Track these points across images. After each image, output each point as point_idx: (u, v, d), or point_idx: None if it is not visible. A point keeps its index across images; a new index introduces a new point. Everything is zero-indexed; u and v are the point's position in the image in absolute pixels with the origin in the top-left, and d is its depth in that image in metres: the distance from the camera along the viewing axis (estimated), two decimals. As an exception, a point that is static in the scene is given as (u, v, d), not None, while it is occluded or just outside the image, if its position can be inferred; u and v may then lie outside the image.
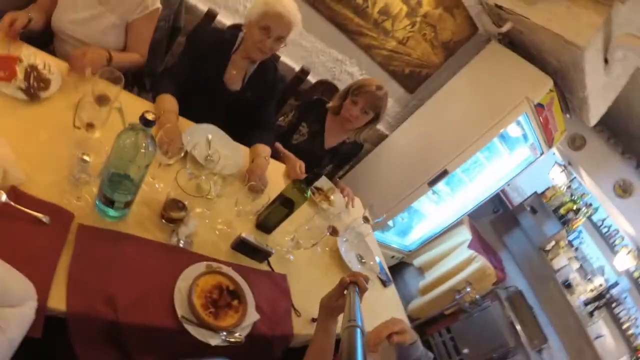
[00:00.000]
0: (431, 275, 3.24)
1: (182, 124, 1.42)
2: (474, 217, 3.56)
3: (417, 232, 3.45)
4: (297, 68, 2.51)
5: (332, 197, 1.79)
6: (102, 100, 1.20)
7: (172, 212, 1.10)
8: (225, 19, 2.19)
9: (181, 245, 1.08)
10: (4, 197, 0.82)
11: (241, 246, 1.19)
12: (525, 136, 2.91)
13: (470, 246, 3.12)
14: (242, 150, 1.57)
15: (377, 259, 1.65)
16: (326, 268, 1.44)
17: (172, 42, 2.08)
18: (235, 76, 1.65)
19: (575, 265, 3.60)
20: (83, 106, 1.05)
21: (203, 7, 2.19)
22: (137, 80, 1.89)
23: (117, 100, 1.17)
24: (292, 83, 2.49)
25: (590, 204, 3.80)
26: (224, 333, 0.92)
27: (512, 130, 2.89)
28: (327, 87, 2.48)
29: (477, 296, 2.79)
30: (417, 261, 3.40)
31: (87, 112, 1.06)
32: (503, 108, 2.53)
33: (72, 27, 1.46)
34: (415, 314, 3.17)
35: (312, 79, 2.52)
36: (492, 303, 2.93)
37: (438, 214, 3.33)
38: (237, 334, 0.93)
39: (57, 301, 0.77)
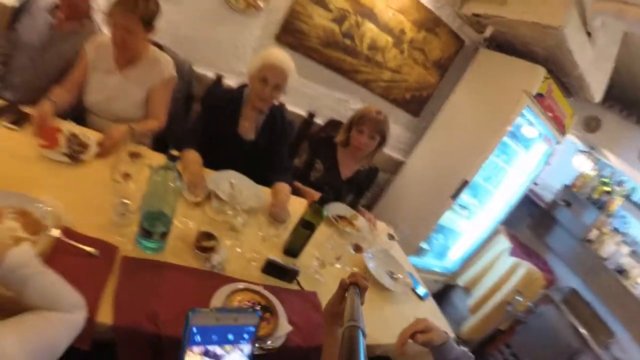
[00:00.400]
0: (478, 292, 3.10)
1: (206, 173, 1.57)
2: (511, 226, 3.48)
3: (455, 251, 3.38)
4: (304, 113, 2.72)
5: (355, 222, 1.85)
6: (135, 156, 1.40)
7: (204, 241, 1.20)
8: (230, 81, 2.48)
9: (214, 270, 1.17)
10: (58, 234, 0.96)
11: (270, 268, 1.26)
12: (539, 133, 2.94)
13: (511, 254, 3.02)
14: (263, 189, 1.69)
15: (409, 273, 1.66)
16: None
17: (189, 109, 2.33)
18: (248, 127, 1.83)
19: (625, 249, 3.34)
20: (120, 162, 1.23)
21: (211, 74, 2.50)
22: (162, 146, 2.10)
23: (147, 157, 1.35)
24: (302, 127, 2.69)
25: (622, 181, 3.64)
26: (258, 342, 0.96)
27: (524, 129, 2.94)
28: (335, 125, 2.65)
29: (530, 303, 2.65)
30: (462, 280, 3.29)
31: (123, 166, 1.23)
32: (504, 107, 2.61)
33: (103, 104, 1.71)
34: (470, 335, 2.99)
35: (320, 120, 2.72)
36: (547, 307, 2.76)
37: (472, 228, 3.29)
38: (268, 343, 0.98)
39: (105, 316, 0.86)
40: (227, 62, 2.61)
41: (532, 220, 4.03)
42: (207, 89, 2.29)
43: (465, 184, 2.70)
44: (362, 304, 0.86)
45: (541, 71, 2.53)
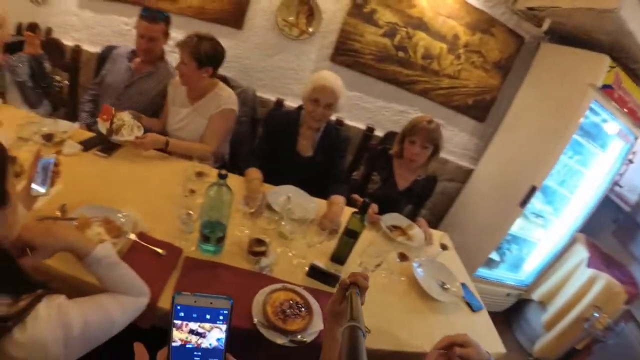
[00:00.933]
0: (554, 307, 2.75)
1: (267, 188, 1.75)
2: (592, 234, 3.03)
3: (530, 262, 3.08)
4: (363, 127, 2.80)
5: (410, 232, 1.84)
6: (200, 175, 1.65)
7: (255, 246, 1.35)
8: (292, 103, 2.69)
9: (263, 272, 1.30)
10: (134, 237, 1.19)
11: (313, 272, 1.35)
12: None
13: (589, 265, 2.64)
14: (319, 202, 1.80)
15: (463, 284, 1.59)
16: (403, 294, 1.45)
17: (254, 131, 2.58)
18: (305, 145, 1.98)
19: None
20: (188, 179, 1.46)
21: (273, 98, 2.75)
22: (234, 165, 2.36)
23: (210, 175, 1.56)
24: (362, 141, 2.76)
25: None
26: (290, 335, 1.06)
27: (599, 125, 2.62)
28: (393, 137, 2.63)
29: (609, 320, 2.29)
30: (537, 294, 2.95)
31: (190, 183, 1.47)
32: (570, 104, 2.38)
33: (177, 131, 2.02)
34: (544, 354, 2.66)
35: (382, 133, 2.76)
36: (628, 324, 2.34)
37: (548, 237, 2.97)
38: (299, 336, 1.06)
39: (165, 303, 1.04)
40: (288, 86, 2.85)
41: (616, 226, 3.46)
42: (268, 112, 2.51)
43: (533, 190, 2.48)
44: (362, 303, 0.86)
45: (605, 60, 2.26)
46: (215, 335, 0.54)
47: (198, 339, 0.54)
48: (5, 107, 1.89)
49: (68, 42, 2.86)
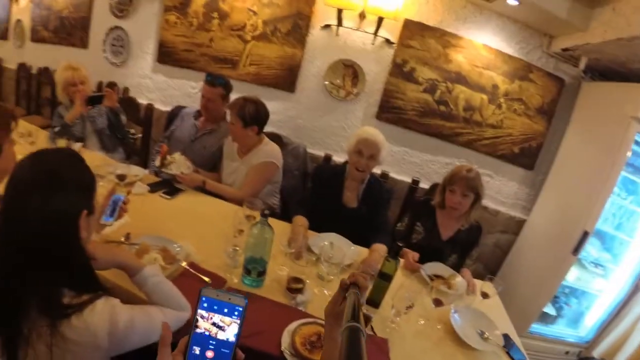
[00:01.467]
0: None
1: (312, 234, 1.86)
2: None
3: (591, 316, 2.74)
4: (409, 180, 2.86)
5: (452, 281, 1.79)
6: (249, 218, 1.80)
7: (293, 284, 1.42)
8: (340, 159, 2.86)
9: (299, 307, 1.36)
10: (185, 265, 1.34)
11: (346, 311, 1.37)
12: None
13: None
14: (359, 248, 1.85)
15: (505, 335, 1.48)
16: (438, 340, 1.39)
17: (305, 183, 2.77)
18: (350, 197, 2.09)
19: None
20: (238, 220, 1.60)
21: (322, 154, 2.95)
22: (284, 215, 2.51)
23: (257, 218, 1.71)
24: (408, 194, 2.81)
25: None
26: None
27: None
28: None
29: None
30: (598, 352, 2.55)
31: (240, 224, 1.61)
32: (614, 140, 2.27)
33: (230, 181, 2.26)
34: None
35: (426, 185, 2.80)
36: None
37: (609, 288, 2.64)
38: None
39: None
40: (337, 143, 3.06)
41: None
42: (316, 166, 2.70)
43: (586, 235, 2.29)
44: (362, 304, 0.84)
45: (644, 90, 2.16)
46: (232, 331, 0.62)
47: (217, 331, 0.62)
48: (84, 150, 2.25)
49: (142, 100, 3.41)
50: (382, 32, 2.73)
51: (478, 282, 1.79)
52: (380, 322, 1.39)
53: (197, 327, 0.61)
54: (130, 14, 3.61)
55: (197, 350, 0.61)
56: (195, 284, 1.29)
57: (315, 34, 2.93)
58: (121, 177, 1.86)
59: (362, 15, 2.71)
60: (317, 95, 3.04)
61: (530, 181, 2.99)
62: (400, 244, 1.45)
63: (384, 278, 1.44)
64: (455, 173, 1.97)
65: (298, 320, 1.24)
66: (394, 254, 1.45)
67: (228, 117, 2.16)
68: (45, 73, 4.31)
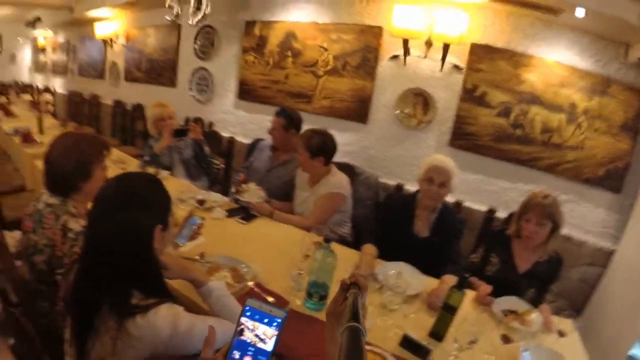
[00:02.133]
0: None
1: (379, 263, 1.85)
2: None
3: None
4: (485, 209, 2.68)
5: (527, 318, 1.62)
6: (316, 244, 1.84)
7: (352, 310, 1.44)
8: (412, 187, 2.79)
9: (357, 335, 1.36)
10: (251, 284, 1.46)
11: (405, 343, 1.33)
12: None
13: None
14: (428, 279, 1.80)
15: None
16: None
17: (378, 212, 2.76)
18: (421, 226, 2.05)
19: None
20: (305, 246, 1.63)
21: (393, 183, 2.93)
22: (357, 245, 2.53)
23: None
24: (484, 223, 2.63)
25: None
26: None
27: None
28: (516, 218, 2.48)
29: None
30: None
31: (306, 250, 1.62)
32: None
33: (301, 210, 2.38)
34: None
35: (504, 214, 2.59)
36: None
37: None
38: None
39: None
40: (410, 172, 3.01)
41: None
42: (386, 195, 2.69)
43: None
44: (364, 306, 0.85)
45: None
46: (270, 341, 0.68)
47: (257, 340, 0.68)
48: (171, 178, 2.59)
49: (225, 134, 3.78)
50: (450, 58, 2.70)
51: (555, 319, 1.58)
52: (442, 356, 1.32)
53: (239, 333, 0.68)
54: (212, 56, 4.10)
55: (237, 354, 0.67)
56: (260, 304, 1.39)
57: (384, 65, 3.01)
58: (201, 202, 2.10)
59: (428, 43, 2.72)
60: (388, 126, 3.07)
61: (619, 206, 2.55)
62: (467, 275, 1.37)
63: (448, 310, 1.38)
64: (530, 199, 1.82)
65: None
66: (460, 285, 1.39)
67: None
68: (138, 109, 5.02)
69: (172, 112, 2.79)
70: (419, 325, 1.45)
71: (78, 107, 6.38)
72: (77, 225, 1.27)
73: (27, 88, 7.12)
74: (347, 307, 0.79)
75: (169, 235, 1.06)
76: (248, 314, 0.69)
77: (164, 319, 0.90)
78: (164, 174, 2.58)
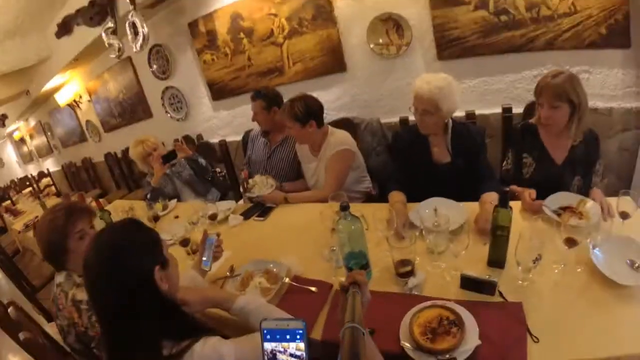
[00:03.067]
0: None
1: (413, 207, 1.74)
2: None
3: None
4: (499, 111, 2.48)
5: (583, 209, 1.49)
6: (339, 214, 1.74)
7: (400, 268, 1.34)
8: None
9: (412, 292, 1.27)
10: (287, 280, 1.38)
11: (466, 283, 1.23)
12: None
13: None
14: (467, 206, 1.66)
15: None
16: (582, 288, 1.14)
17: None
18: (439, 152, 1.89)
19: None
20: (328, 220, 1.55)
21: (396, 119, 2.75)
22: (383, 196, 2.42)
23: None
24: (505, 125, 2.44)
25: None
26: (439, 355, 0.97)
27: None
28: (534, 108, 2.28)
29: None
30: None
31: (331, 223, 1.54)
32: None
33: (314, 184, 2.27)
34: None
35: (520, 109, 2.39)
36: None
37: None
38: (447, 356, 0.97)
39: (316, 334, 1.16)
40: (409, 102, 2.80)
41: None
42: (393, 134, 2.53)
43: None
44: (368, 300, 0.91)
45: None
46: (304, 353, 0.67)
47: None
48: (180, 204, 2.55)
49: (216, 139, 3.67)
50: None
51: (613, 201, 1.44)
52: (509, 283, 1.21)
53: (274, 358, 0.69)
54: (172, 72, 3.97)
55: None
56: (304, 297, 1.32)
57: (340, 5, 2.77)
58: (213, 217, 2.02)
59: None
60: (369, 63, 2.85)
61: (633, 61, 2.28)
62: (506, 188, 1.23)
63: (499, 232, 1.25)
64: (539, 84, 1.64)
65: (416, 307, 1.15)
66: (503, 200, 1.24)
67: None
68: (128, 153, 5.00)
69: (154, 143, 2.71)
70: (473, 259, 1.33)
71: (76, 176, 6.56)
72: (84, 294, 1.24)
73: (24, 182, 7.47)
74: (347, 308, 0.80)
75: (174, 269, 0.99)
76: (268, 337, 0.67)
77: (207, 358, 0.86)
78: (172, 204, 2.54)
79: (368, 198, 2.33)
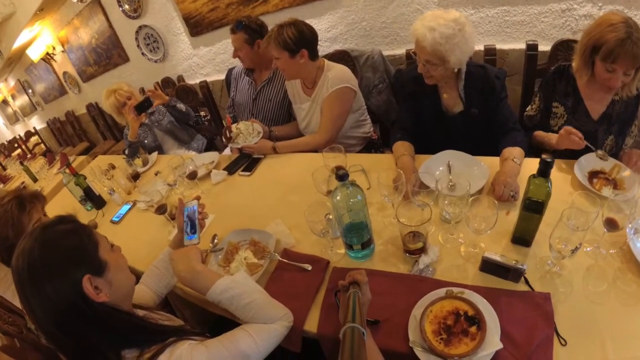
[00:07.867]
0: None
1: (422, 160, 1.51)
2: None
3: None
4: (522, 47, 2.14)
5: (620, 177, 1.28)
6: (338, 168, 1.50)
7: (409, 244, 1.13)
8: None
9: (423, 274, 1.09)
10: (277, 257, 1.19)
11: (487, 266, 1.05)
12: None
13: None
14: (489, 162, 1.44)
15: None
16: (615, 276, 0.98)
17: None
18: (450, 99, 1.60)
19: None
20: (324, 182, 1.31)
21: (402, 51, 2.38)
22: (385, 142, 2.17)
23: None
24: (527, 65, 2.12)
25: None
26: None
27: None
28: (566, 47, 1.95)
29: None
30: None
31: (327, 184, 1.32)
32: None
33: (306, 126, 2.00)
34: None
35: (547, 47, 2.06)
36: None
37: None
38: None
39: (311, 326, 1.01)
40: (414, 31, 2.43)
41: None
42: (395, 72, 2.20)
43: None
44: (368, 300, 0.88)
45: None
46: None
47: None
48: (162, 157, 2.27)
49: (197, 80, 3.29)
50: None
51: None
52: (535, 266, 1.04)
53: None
54: (145, 9, 3.58)
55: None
56: (296, 275, 1.15)
57: None
58: (192, 176, 1.73)
59: None
60: (370, -16, 2.40)
61: None
62: (549, 159, 0.98)
63: (533, 208, 1.02)
64: (615, 47, 1.24)
65: (425, 297, 0.98)
66: (542, 170, 0.98)
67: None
68: None
69: (127, 91, 2.39)
70: (494, 233, 1.11)
71: (62, 131, 6.32)
72: None
73: (13, 144, 7.29)
74: (348, 308, 0.79)
75: (118, 272, 0.82)
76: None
77: None
78: (152, 158, 2.27)
79: (368, 144, 2.08)
